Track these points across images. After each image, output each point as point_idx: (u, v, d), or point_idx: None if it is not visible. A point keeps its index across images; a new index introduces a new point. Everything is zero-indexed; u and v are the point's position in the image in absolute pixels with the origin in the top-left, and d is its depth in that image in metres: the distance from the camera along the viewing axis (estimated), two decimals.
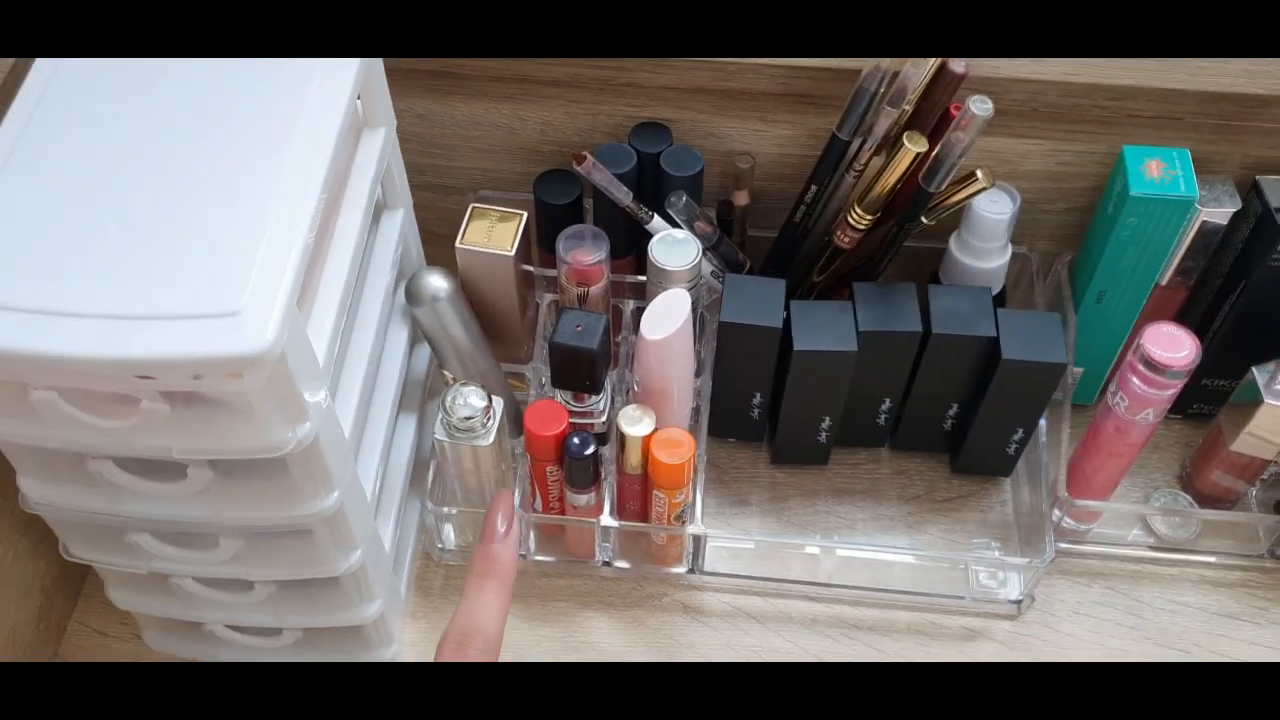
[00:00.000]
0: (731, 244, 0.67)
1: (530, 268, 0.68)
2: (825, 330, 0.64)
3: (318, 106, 0.50)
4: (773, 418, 0.71)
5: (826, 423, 0.69)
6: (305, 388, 0.46)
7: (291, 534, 0.55)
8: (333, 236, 0.52)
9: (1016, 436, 0.69)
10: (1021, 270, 0.72)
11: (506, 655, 0.66)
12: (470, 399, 0.60)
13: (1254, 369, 0.64)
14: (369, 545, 0.58)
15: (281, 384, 0.45)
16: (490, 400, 0.60)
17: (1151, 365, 0.58)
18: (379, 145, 0.57)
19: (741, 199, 0.69)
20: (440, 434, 0.60)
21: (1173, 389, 0.59)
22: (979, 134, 0.57)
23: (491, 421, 0.61)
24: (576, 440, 0.61)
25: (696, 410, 0.68)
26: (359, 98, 0.56)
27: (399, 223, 0.62)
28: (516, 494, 0.67)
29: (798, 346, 0.64)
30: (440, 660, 0.48)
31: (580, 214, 0.68)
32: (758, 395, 0.69)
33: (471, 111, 0.69)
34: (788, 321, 0.64)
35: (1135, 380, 0.59)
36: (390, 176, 0.60)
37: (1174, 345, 0.58)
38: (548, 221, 0.68)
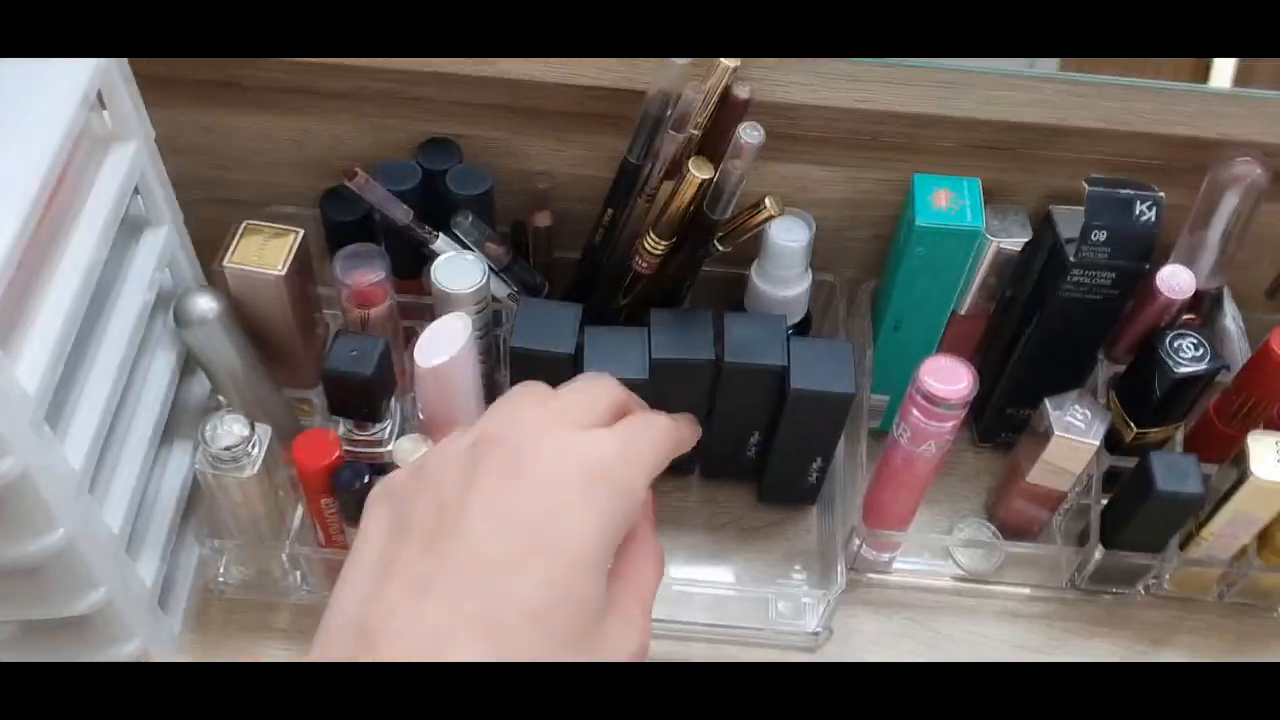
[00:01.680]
0: (527, 266, 0.65)
1: (319, 288, 0.66)
2: (618, 357, 0.62)
3: (38, 119, 0.46)
4: None
5: None
6: (6, 421, 0.43)
7: (22, 572, 0.51)
8: (61, 254, 0.49)
9: (816, 465, 0.68)
10: (828, 297, 0.71)
11: None
12: (232, 428, 0.57)
13: (1046, 401, 0.64)
14: (117, 583, 0.54)
15: None
16: (253, 429, 0.57)
17: (929, 398, 0.57)
18: (128, 158, 0.54)
19: (543, 219, 0.67)
20: (202, 465, 0.57)
21: (952, 421, 0.58)
22: (752, 162, 0.55)
23: (256, 451, 0.58)
24: (347, 473, 0.58)
25: None
26: (105, 109, 0.53)
27: (161, 240, 0.58)
28: (296, 523, 0.64)
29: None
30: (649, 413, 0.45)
31: (371, 231, 0.65)
32: None
33: (258, 124, 0.66)
34: (581, 348, 0.62)
35: (915, 413, 0.58)
36: (149, 192, 0.57)
37: (951, 378, 0.57)
38: (336, 239, 0.65)
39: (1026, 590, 0.69)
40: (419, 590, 0.36)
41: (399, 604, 0.36)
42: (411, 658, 0.34)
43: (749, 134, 0.54)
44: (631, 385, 0.62)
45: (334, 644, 0.36)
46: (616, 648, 0.38)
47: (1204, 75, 0.69)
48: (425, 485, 0.39)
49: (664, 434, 0.44)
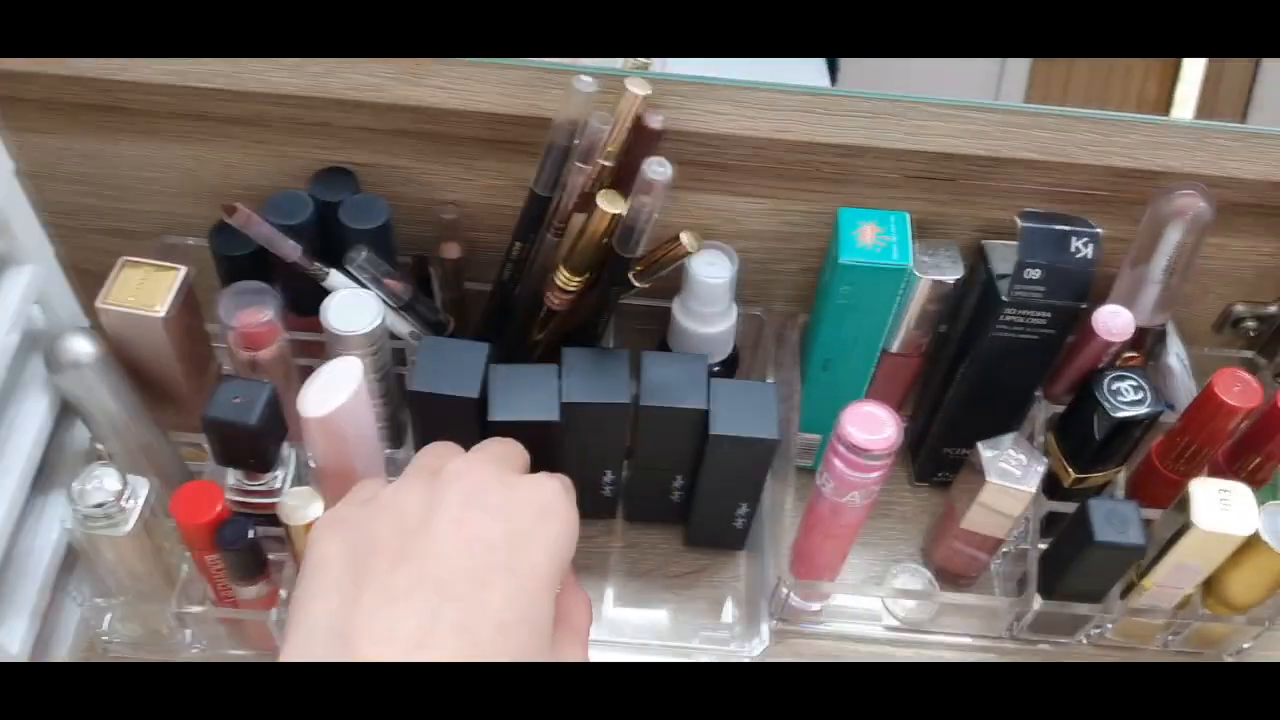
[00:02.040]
0: (429, 303, 0.61)
1: (209, 325, 0.61)
2: (528, 398, 0.59)
3: None
4: None
5: None
6: None
7: None
8: None
9: (742, 511, 0.64)
10: (757, 332, 0.67)
11: None
12: (104, 482, 0.53)
13: (979, 445, 0.60)
14: None
15: None
16: (127, 482, 0.53)
17: (852, 448, 0.54)
18: None
19: (451, 251, 0.63)
20: (71, 523, 0.53)
21: (877, 471, 0.55)
22: (665, 198, 0.52)
23: (132, 505, 0.54)
24: (230, 530, 0.54)
25: None
26: None
27: (27, 279, 0.54)
28: (183, 579, 0.60)
29: (492, 416, 0.58)
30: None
31: (265, 267, 0.61)
32: None
33: (144, 151, 0.62)
34: (486, 389, 0.59)
35: (838, 463, 0.55)
36: (8, 229, 0.52)
37: (875, 427, 0.54)
38: (229, 275, 0.61)
39: (964, 639, 0.66)
40: (396, 597, 0.38)
41: (376, 609, 0.38)
42: (394, 658, 0.36)
43: (655, 169, 0.51)
44: (541, 427, 0.59)
45: (311, 649, 0.38)
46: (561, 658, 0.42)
47: (1166, 107, 0.66)
48: (383, 514, 0.42)
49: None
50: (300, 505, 0.54)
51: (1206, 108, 0.66)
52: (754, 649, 0.59)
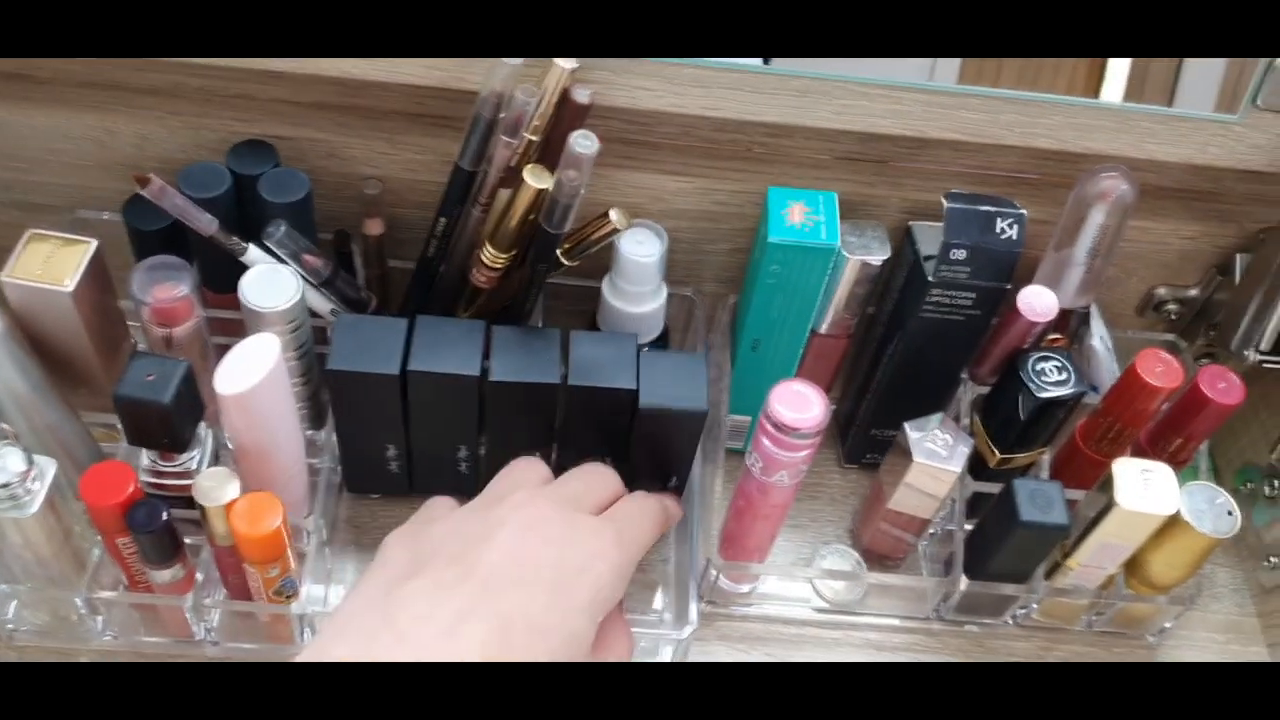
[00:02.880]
0: (350, 279, 0.60)
1: (121, 301, 0.60)
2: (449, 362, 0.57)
3: None
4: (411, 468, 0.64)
5: (464, 461, 0.63)
6: None
7: None
8: None
9: (671, 485, 0.63)
10: (689, 313, 0.67)
11: None
12: (7, 461, 0.51)
13: (905, 425, 0.60)
14: None
15: None
16: (32, 463, 0.51)
17: (779, 426, 0.54)
18: None
19: (374, 227, 0.62)
20: None
21: (805, 449, 0.55)
22: (589, 174, 0.51)
23: (38, 487, 0.52)
24: (142, 512, 0.52)
25: (317, 469, 0.61)
26: None
27: None
28: (93, 563, 0.58)
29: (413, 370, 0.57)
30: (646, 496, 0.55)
31: (181, 242, 0.59)
32: (391, 447, 0.62)
33: (54, 121, 0.59)
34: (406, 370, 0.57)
35: (766, 441, 0.55)
36: None
37: (802, 405, 0.54)
38: (142, 249, 0.59)
39: (892, 621, 0.66)
40: (441, 585, 0.43)
41: (421, 593, 0.43)
42: (430, 636, 0.41)
43: (581, 143, 0.50)
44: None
45: (351, 622, 0.43)
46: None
47: (1096, 91, 0.67)
48: (448, 529, 0.48)
49: (653, 522, 0.53)
50: (216, 486, 0.53)
51: (1135, 92, 0.67)
52: (683, 631, 0.59)
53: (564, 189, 0.52)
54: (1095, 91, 0.67)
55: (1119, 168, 0.59)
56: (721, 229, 0.64)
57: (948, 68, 0.65)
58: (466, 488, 0.62)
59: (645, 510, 0.53)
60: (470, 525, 0.47)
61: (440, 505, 0.52)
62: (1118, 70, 0.66)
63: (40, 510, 0.52)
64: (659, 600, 0.65)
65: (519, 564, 0.44)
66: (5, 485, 0.51)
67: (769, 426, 0.54)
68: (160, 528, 0.53)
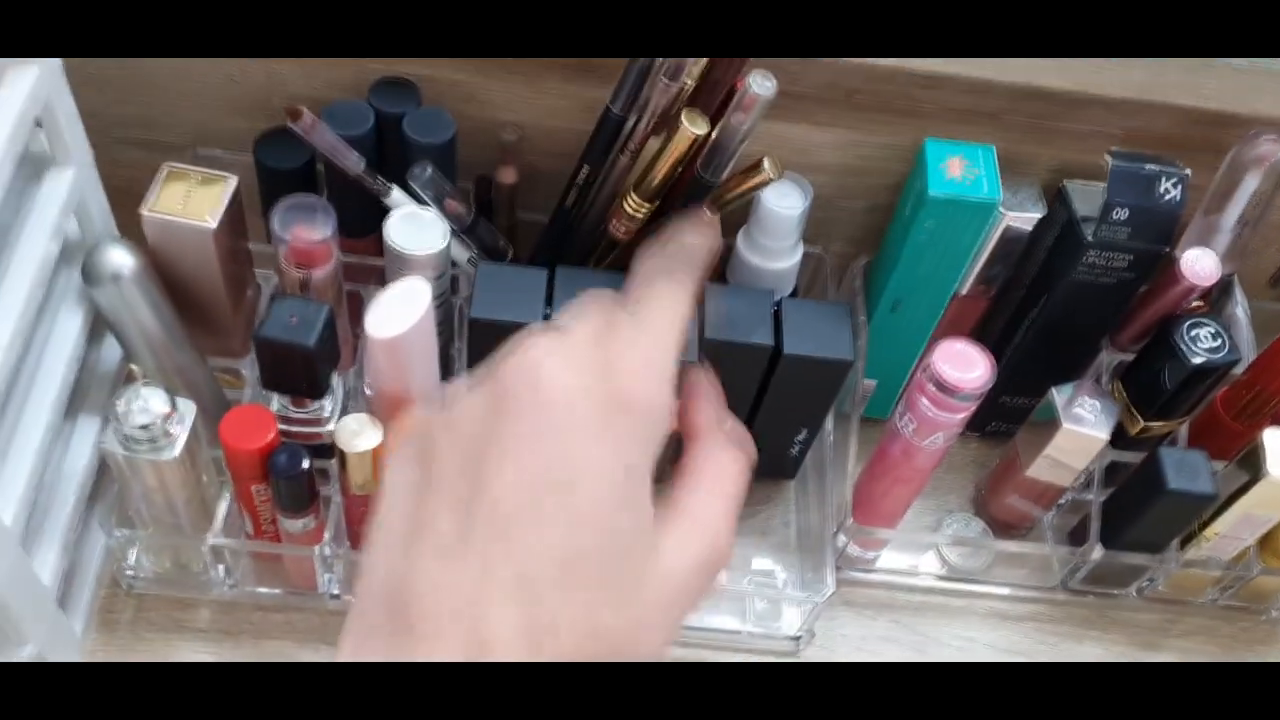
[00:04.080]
0: (491, 227, 0.58)
1: (251, 244, 0.58)
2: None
3: None
4: None
5: None
6: None
7: None
8: None
9: (801, 437, 0.62)
10: (815, 273, 0.65)
11: None
12: (149, 402, 0.49)
13: (1053, 390, 0.59)
14: (10, 581, 0.46)
15: None
16: (175, 404, 0.50)
17: (941, 386, 0.52)
18: (29, 83, 0.45)
19: (508, 176, 0.60)
20: (112, 445, 0.49)
21: (964, 412, 0.53)
22: (761, 117, 0.49)
23: (178, 429, 0.50)
24: (284, 456, 0.51)
25: None
26: None
27: (69, 183, 0.50)
28: (222, 511, 0.56)
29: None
30: (645, 260, 0.39)
31: (313, 183, 0.58)
32: None
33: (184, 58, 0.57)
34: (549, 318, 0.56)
35: (924, 401, 0.53)
36: (55, 125, 0.48)
37: (966, 365, 0.52)
38: (272, 190, 0.57)
39: (1015, 590, 0.65)
40: (447, 554, 0.34)
41: (428, 570, 0.34)
42: (446, 628, 0.32)
43: (759, 84, 0.48)
44: None
45: (369, 616, 0.34)
46: (677, 566, 0.35)
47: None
48: (447, 435, 0.36)
49: (676, 311, 0.38)
50: (359, 432, 0.51)
51: None
52: (821, 595, 0.57)
53: (731, 133, 0.50)
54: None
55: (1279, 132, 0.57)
56: (862, 185, 0.62)
57: None
58: None
59: (662, 301, 0.38)
60: (470, 425, 0.35)
61: (465, 392, 0.38)
62: None
63: (179, 455, 0.50)
64: (768, 562, 0.64)
65: (520, 480, 0.34)
66: (146, 426, 0.49)
67: (930, 386, 0.53)
68: (301, 474, 0.52)
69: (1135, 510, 0.60)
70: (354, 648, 0.34)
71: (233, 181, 0.53)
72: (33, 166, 0.49)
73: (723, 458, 0.38)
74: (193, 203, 0.52)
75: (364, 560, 0.36)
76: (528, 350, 0.36)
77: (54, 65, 0.47)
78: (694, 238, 0.41)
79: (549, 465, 0.34)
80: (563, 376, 0.35)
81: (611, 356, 0.36)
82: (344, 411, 0.57)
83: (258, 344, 0.51)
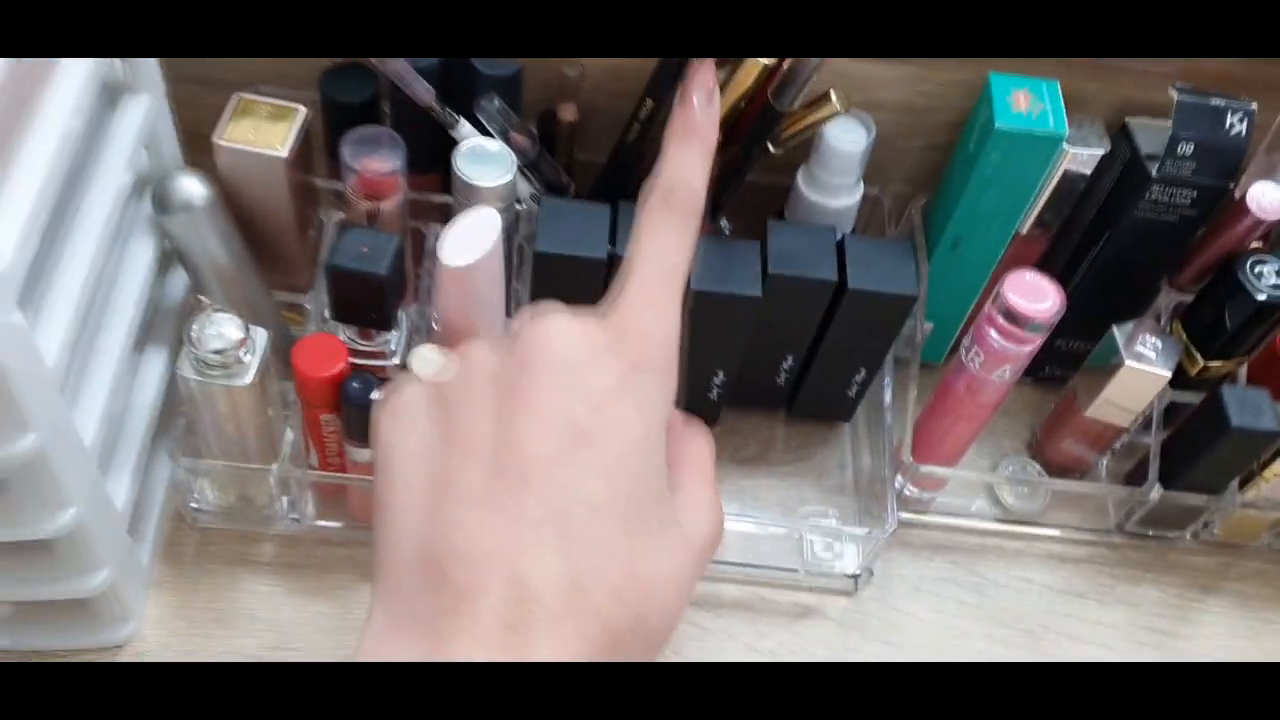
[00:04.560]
0: (554, 163, 0.58)
1: (316, 180, 0.58)
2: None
3: None
4: None
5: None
6: None
7: None
8: (32, 110, 0.41)
9: (859, 378, 0.62)
10: (872, 213, 0.65)
11: (271, 635, 0.56)
12: (223, 329, 0.49)
13: (1114, 327, 0.59)
14: (89, 503, 0.47)
15: None
16: (248, 331, 0.50)
17: (1012, 316, 0.52)
18: None
19: (568, 113, 0.60)
20: (186, 371, 0.50)
21: (1033, 344, 0.53)
22: None
23: (251, 357, 0.50)
24: (356, 384, 0.51)
25: None
26: None
27: (144, 111, 0.50)
28: (288, 444, 0.56)
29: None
30: (645, 214, 0.39)
31: (377, 117, 0.58)
32: None
33: None
34: (613, 257, 0.56)
35: (993, 333, 0.53)
36: None
37: (1037, 295, 0.52)
38: (338, 125, 0.57)
39: (1071, 534, 0.65)
40: (480, 504, 0.33)
41: (462, 523, 0.33)
42: (486, 578, 0.32)
43: None
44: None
45: (401, 577, 0.34)
46: (694, 533, 0.37)
47: None
48: (465, 393, 0.36)
49: (677, 264, 0.39)
50: (435, 359, 0.51)
51: None
52: (884, 531, 0.57)
53: (805, 61, 0.50)
54: None
55: None
56: (921, 123, 0.62)
57: None
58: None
59: (663, 263, 0.39)
60: (487, 386, 0.36)
61: (475, 352, 0.39)
62: None
63: (252, 382, 0.50)
64: (825, 504, 0.64)
65: (548, 431, 0.34)
66: (220, 352, 0.49)
67: (999, 318, 0.53)
68: (373, 402, 0.52)
69: (1196, 450, 0.59)
70: (389, 615, 0.33)
71: (303, 112, 0.53)
72: (109, 93, 0.49)
73: (702, 443, 0.40)
74: (264, 133, 0.52)
75: (382, 525, 0.35)
76: (545, 316, 0.38)
77: None
78: (688, 168, 0.40)
79: (573, 419, 0.35)
80: (581, 338, 0.36)
81: (623, 319, 0.37)
82: (409, 345, 0.57)
83: (330, 273, 0.52)
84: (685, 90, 0.42)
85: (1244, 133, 0.56)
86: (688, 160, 0.40)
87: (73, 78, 0.43)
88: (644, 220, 0.39)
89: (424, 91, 0.53)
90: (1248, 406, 0.57)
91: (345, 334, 0.55)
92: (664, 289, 0.38)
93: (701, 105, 0.41)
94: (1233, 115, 0.55)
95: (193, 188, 0.51)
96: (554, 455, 0.34)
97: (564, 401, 0.35)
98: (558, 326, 0.36)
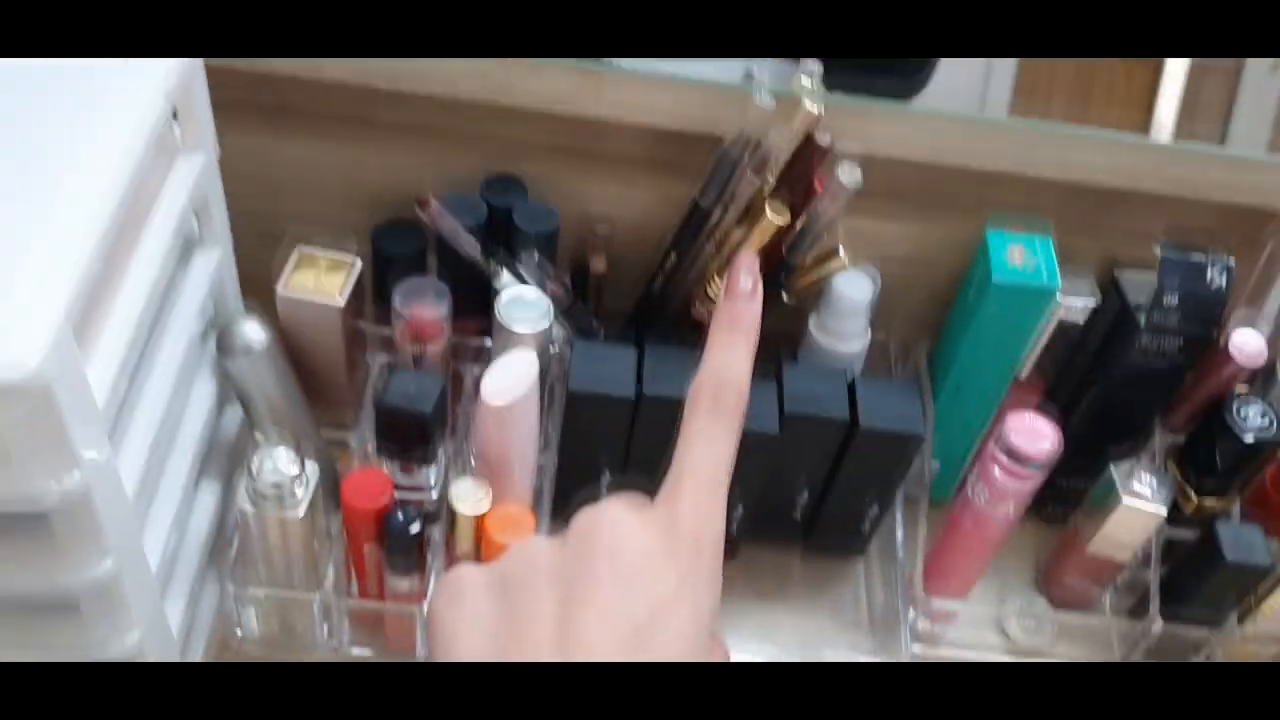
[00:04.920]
0: (585, 309, 0.63)
1: (363, 324, 0.63)
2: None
3: (122, 116, 0.44)
4: None
5: None
6: (77, 431, 0.39)
7: (55, 608, 0.47)
8: (128, 266, 0.46)
9: (872, 513, 0.65)
10: (879, 357, 0.69)
11: None
12: (280, 463, 0.53)
13: (1112, 466, 0.62)
14: (150, 626, 0.50)
15: (46, 422, 0.38)
16: (304, 466, 0.54)
17: (1013, 455, 0.56)
18: (195, 172, 0.51)
19: (599, 265, 0.65)
20: (244, 501, 0.53)
21: (1034, 481, 0.57)
22: (846, 205, 0.54)
23: (304, 490, 0.54)
24: (400, 515, 0.55)
25: (539, 491, 0.63)
26: (175, 116, 0.50)
27: (214, 264, 0.55)
28: (330, 575, 0.60)
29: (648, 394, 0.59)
30: (696, 416, 0.39)
31: (423, 269, 0.63)
32: (606, 473, 0.64)
33: (309, 152, 0.63)
34: (641, 396, 0.60)
35: (996, 471, 0.57)
36: (207, 210, 0.54)
37: (1036, 435, 0.56)
38: (387, 275, 0.62)
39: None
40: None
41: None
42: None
43: (846, 174, 0.53)
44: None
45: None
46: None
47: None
48: (525, 582, 0.37)
49: (721, 457, 0.40)
50: (474, 492, 0.55)
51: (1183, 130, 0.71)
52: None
53: (817, 219, 0.55)
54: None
55: None
56: (924, 274, 0.67)
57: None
58: None
59: (710, 461, 0.40)
60: (549, 577, 0.37)
61: (534, 546, 0.39)
62: None
63: (304, 514, 0.54)
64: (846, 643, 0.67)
65: (611, 636, 0.35)
66: (277, 484, 0.53)
67: (1002, 456, 0.56)
68: (415, 535, 0.55)
69: (1194, 583, 0.62)
70: None
71: (358, 264, 0.58)
72: (185, 248, 0.54)
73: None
74: (323, 283, 0.57)
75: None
76: (606, 511, 0.38)
77: (211, 156, 0.53)
78: (735, 364, 0.41)
79: (634, 621, 0.36)
80: (641, 539, 0.37)
81: (678, 524, 0.38)
82: (445, 480, 0.61)
83: (378, 410, 0.56)
84: (731, 283, 0.43)
85: (1224, 285, 0.60)
86: (734, 355, 0.41)
87: (159, 237, 0.48)
88: (695, 423, 0.40)
89: (469, 246, 0.58)
90: (1241, 542, 0.61)
91: (388, 468, 0.59)
92: (715, 493, 0.39)
93: (746, 298, 0.43)
94: (1213, 269, 0.60)
95: (253, 333, 0.56)
96: (614, 654, 0.35)
97: (626, 603, 0.36)
98: (619, 525, 0.37)
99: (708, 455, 0.39)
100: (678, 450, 0.40)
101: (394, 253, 0.61)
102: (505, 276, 0.60)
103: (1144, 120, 0.72)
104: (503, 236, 0.61)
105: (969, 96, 0.71)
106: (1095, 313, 0.63)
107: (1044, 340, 0.64)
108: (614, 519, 0.38)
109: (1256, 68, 0.72)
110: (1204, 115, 0.72)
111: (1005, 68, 0.70)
